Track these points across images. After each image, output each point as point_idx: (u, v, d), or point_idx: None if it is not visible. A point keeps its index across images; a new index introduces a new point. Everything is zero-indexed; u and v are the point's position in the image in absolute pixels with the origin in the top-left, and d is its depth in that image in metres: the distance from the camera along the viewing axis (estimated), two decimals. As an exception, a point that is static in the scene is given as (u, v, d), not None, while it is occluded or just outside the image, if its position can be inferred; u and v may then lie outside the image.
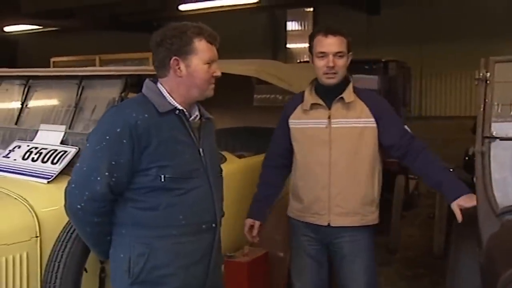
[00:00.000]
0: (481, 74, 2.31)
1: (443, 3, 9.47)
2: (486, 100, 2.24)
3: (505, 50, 5.47)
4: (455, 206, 2.37)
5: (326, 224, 2.58)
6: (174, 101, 1.97)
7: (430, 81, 9.86)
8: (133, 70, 2.88)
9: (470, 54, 4.49)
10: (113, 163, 1.85)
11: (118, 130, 1.85)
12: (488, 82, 2.27)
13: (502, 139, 2.22)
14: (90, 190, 1.86)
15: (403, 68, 6.85)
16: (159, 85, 2.01)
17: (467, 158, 4.57)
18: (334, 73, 2.52)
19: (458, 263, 2.49)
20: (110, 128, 1.87)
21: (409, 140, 2.57)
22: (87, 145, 1.94)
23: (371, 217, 2.63)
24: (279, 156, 2.77)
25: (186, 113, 2.00)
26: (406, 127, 2.64)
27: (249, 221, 2.77)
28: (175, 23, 2.00)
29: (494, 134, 2.22)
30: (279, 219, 2.83)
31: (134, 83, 2.76)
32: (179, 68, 1.95)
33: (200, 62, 1.96)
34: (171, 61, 1.94)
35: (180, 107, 1.97)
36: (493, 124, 2.24)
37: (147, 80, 2.04)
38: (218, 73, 2.03)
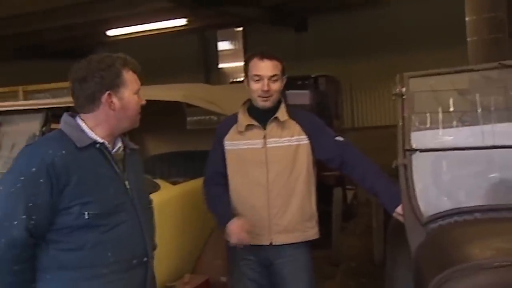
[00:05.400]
0: (397, 89, 2.40)
1: (365, 21, 9.89)
2: (404, 115, 2.34)
3: (424, 61, 5.81)
4: (396, 214, 2.42)
5: (268, 243, 2.57)
6: (94, 135, 1.90)
7: (360, 93, 10.23)
8: (54, 103, 2.78)
9: (394, 67, 4.70)
10: (31, 204, 1.74)
11: (34, 169, 1.75)
12: (404, 96, 2.37)
13: (422, 151, 2.30)
14: (6, 236, 1.73)
15: (333, 83, 7.05)
16: (78, 119, 1.93)
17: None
18: (269, 97, 2.56)
19: (393, 271, 2.56)
20: (25, 168, 1.77)
21: (342, 150, 2.61)
22: (0, 188, 1.80)
23: (311, 232, 2.65)
24: (219, 174, 2.68)
25: (108, 145, 1.93)
26: (338, 137, 2.67)
27: (234, 224, 2.53)
28: (94, 55, 1.94)
29: (414, 146, 2.30)
30: (218, 245, 2.80)
31: (59, 115, 2.65)
32: (112, 101, 1.89)
33: (131, 93, 1.93)
34: (104, 96, 1.88)
35: (100, 140, 1.90)
36: (412, 135, 2.32)
37: (64, 115, 1.96)
38: (144, 102, 2.01)
